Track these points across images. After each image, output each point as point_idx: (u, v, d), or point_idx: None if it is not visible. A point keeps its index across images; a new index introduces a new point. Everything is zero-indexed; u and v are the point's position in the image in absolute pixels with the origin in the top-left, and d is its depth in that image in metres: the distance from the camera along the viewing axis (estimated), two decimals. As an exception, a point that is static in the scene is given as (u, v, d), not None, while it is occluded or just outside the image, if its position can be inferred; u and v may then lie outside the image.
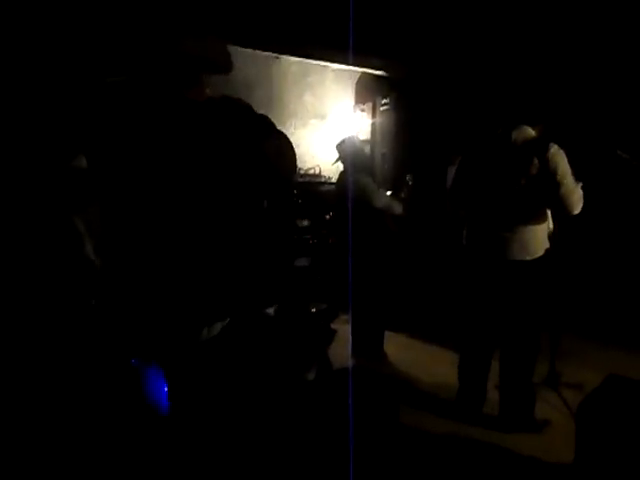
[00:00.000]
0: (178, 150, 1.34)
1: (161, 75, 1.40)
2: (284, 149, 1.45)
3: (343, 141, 3.66)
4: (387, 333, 3.69)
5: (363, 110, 5.59)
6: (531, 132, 2.49)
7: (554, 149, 2.38)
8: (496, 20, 4.12)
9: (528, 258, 2.49)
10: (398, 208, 3.61)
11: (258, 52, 4.06)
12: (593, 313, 3.92)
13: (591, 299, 3.95)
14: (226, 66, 1.48)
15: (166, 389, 1.46)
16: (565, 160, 2.39)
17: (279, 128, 1.48)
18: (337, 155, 3.70)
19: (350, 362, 3.30)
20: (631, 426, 1.70)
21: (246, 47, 3.72)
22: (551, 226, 2.60)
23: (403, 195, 3.87)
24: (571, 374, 3.11)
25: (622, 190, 3.63)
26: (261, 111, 1.46)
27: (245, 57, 4.28)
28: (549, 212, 2.60)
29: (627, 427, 1.70)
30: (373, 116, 5.38)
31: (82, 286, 1.89)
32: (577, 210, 2.43)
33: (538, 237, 2.52)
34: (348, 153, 3.58)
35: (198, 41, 1.44)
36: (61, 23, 2.82)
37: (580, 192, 2.42)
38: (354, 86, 5.77)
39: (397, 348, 3.67)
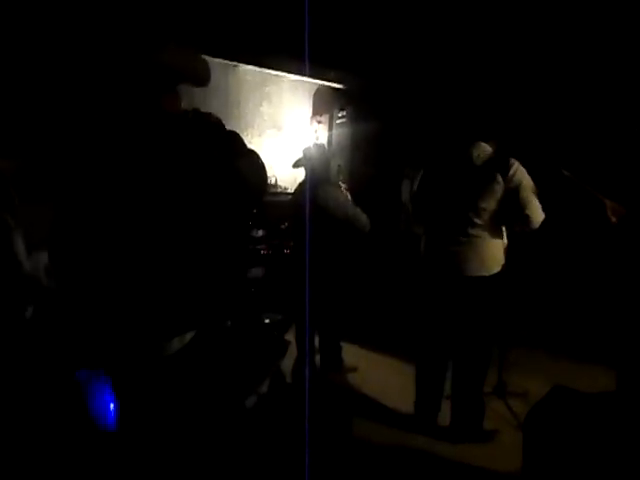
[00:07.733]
0: (146, 160, 1.31)
1: (136, 82, 1.36)
2: (255, 166, 1.44)
3: (310, 148, 3.51)
4: (343, 344, 3.68)
5: (320, 122, 5.62)
6: (489, 149, 2.53)
7: (515, 166, 2.42)
8: (449, 34, 4.25)
9: (485, 274, 2.53)
10: (365, 221, 3.43)
11: (215, 60, 4.01)
12: (538, 325, 4.06)
13: (536, 311, 4.10)
14: (204, 79, 1.45)
15: (113, 404, 1.40)
16: (527, 176, 2.44)
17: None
18: (298, 160, 3.53)
19: (305, 373, 3.27)
20: (575, 436, 1.75)
21: (202, 54, 3.68)
22: (506, 241, 2.65)
23: None
24: (517, 384, 3.19)
25: (566, 207, 3.79)
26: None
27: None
28: (504, 227, 2.64)
29: (571, 437, 1.76)
30: (330, 128, 5.41)
31: (11, 292, 1.79)
32: (538, 226, 2.47)
33: (495, 253, 2.56)
34: (315, 160, 3.42)
35: (177, 52, 1.42)
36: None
37: (541, 212, 2.45)
38: (312, 97, 5.80)
39: (353, 359, 3.66)
